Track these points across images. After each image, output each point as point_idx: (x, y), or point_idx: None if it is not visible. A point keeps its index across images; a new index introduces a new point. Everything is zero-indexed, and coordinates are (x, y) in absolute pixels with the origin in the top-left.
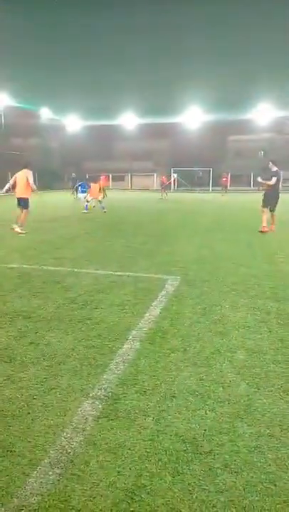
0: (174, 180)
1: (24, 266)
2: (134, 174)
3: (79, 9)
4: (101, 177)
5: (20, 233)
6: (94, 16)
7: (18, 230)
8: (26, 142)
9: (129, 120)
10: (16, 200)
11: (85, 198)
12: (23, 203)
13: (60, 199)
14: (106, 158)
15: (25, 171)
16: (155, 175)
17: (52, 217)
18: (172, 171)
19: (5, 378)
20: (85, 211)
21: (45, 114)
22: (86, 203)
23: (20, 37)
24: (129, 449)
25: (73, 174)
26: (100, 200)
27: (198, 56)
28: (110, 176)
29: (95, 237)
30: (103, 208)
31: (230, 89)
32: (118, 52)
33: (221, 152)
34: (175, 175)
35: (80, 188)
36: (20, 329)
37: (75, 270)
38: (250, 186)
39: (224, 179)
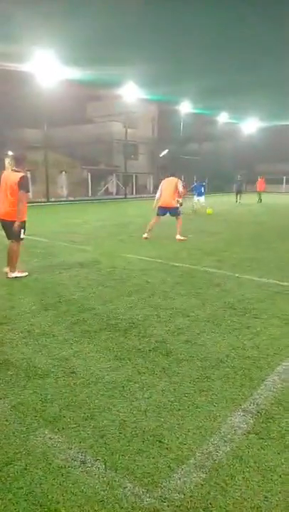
0: None
1: (187, 265)
2: None
3: (260, 9)
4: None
5: (182, 240)
6: (274, 14)
7: (180, 237)
8: (201, 147)
9: None
10: (159, 209)
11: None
12: (173, 211)
13: (224, 202)
14: (281, 159)
15: (173, 179)
16: None
17: (215, 220)
18: None
19: (160, 370)
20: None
21: (223, 118)
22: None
23: (199, 46)
24: (280, 475)
25: (239, 176)
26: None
27: None
28: (284, 178)
29: (260, 242)
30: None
31: None
32: None
33: None
34: None
35: (195, 189)
36: (177, 326)
37: (236, 275)
38: None
39: None
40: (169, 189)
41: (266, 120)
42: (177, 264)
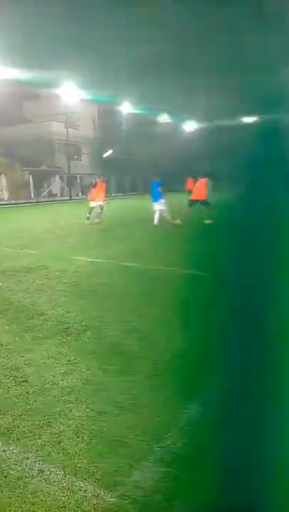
0: None
1: (137, 264)
2: None
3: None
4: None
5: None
6: (212, 17)
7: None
8: (144, 147)
9: (247, 119)
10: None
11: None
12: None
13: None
14: (221, 158)
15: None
16: None
17: (165, 219)
18: None
19: (116, 370)
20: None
21: (163, 119)
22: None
23: (136, 47)
24: None
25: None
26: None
27: None
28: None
29: (208, 240)
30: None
31: None
32: (239, 55)
33: None
34: None
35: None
36: (131, 325)
37: (186, 272)
38: None
39: None
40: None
41: (205, 121)
42: (127, 264)
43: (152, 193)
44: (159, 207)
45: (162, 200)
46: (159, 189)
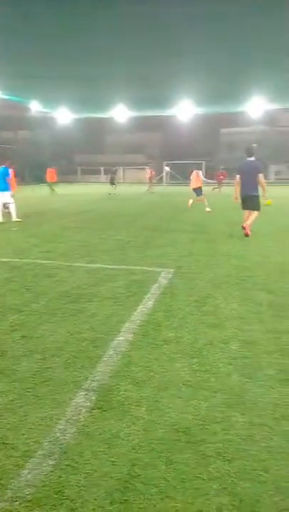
0: (167, 173)
1: (15, 260)
2: (126, 168)
3: (72, 4)
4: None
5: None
6: (86, 11)
7: (208, 209)
8: (16, 135)
9: (120, 113)
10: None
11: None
12: (198, 191)
13: (43, 193)
14: (97, 151)
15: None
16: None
17: (40, 211)
18: (164, 164)
19: None
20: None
21: (35, 107)
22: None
23: (9, 30)
24: (123, 439)
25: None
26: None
27: (190, 49)
28: (102, 169)
29: (86, 231)
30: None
31: (223, 82)
32: (109, 46)
33: (213, 145)
34: (167, 168)
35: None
36: (11, 323)
37: (67, 264)
38: None
39: (221, 177)
40: (195, 176)
41: (78, 112)
42: (4, 260)
43: None
44: (4, 199)
45: (9, 192)
46: (7, 179)
